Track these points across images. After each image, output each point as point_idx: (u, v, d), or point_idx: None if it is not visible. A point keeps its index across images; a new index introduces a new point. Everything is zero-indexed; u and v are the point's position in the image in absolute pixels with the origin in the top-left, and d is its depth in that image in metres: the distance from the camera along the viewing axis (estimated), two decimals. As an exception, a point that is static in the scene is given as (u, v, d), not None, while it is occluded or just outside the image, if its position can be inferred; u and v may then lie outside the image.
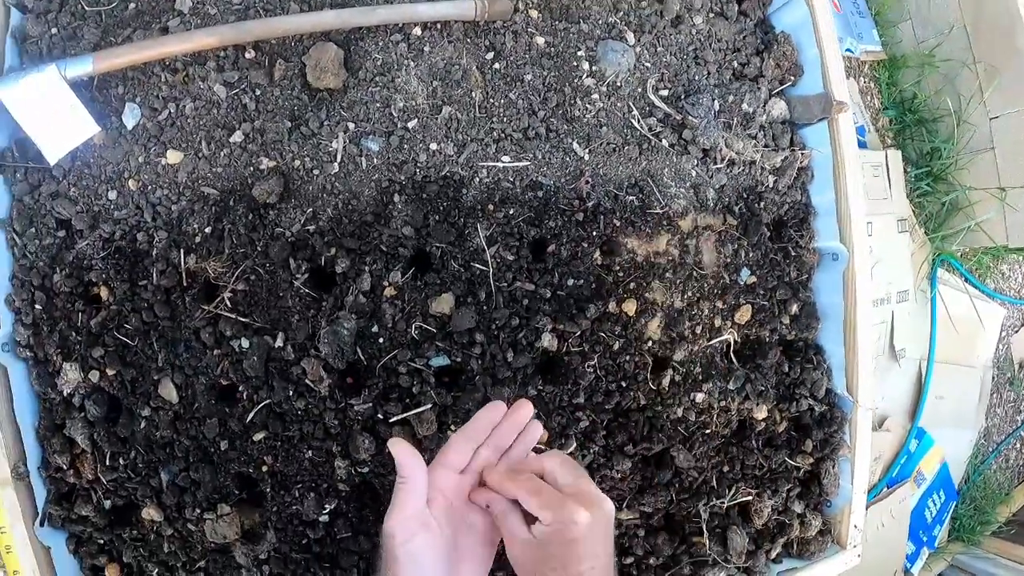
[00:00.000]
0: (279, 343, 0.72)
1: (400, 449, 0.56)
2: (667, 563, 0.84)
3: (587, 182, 0.76)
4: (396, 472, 0.56)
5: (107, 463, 0.74)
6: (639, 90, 0.80)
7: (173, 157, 0.71)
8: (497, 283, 0.73)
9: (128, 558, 0.76)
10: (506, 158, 0.74)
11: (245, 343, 0.72)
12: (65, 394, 0.73)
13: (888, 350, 1.48)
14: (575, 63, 0.77)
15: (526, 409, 0.61)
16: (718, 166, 0.82)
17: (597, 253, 0.77)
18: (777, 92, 0.87)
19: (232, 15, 0.72)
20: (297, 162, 0.72)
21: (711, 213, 0.82)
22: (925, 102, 1.49)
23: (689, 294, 0.81)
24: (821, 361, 0.90)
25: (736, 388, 0.84)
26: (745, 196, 0.85)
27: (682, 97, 0.81)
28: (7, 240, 0.73)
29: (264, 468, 0.74)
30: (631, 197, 0.77)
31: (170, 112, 0.71)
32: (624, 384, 0.78)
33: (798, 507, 0.90)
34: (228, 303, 0.71)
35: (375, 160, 0.72)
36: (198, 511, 0.73)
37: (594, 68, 0.78)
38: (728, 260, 0.83)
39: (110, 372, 0.72)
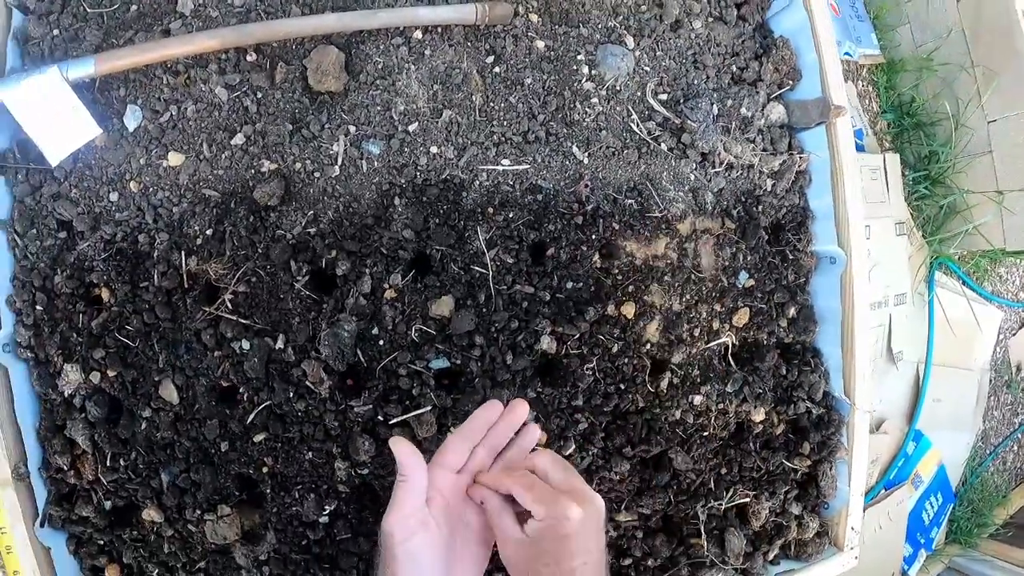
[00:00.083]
0: (280, 345, 0.72)
1: (401, 448, 0.57)
2: (665, 565, 0.84)
3: (586, 185, 0.77)
4: (396, 471, 0.57)
5: (108, 464, 0.74)
6: (638, 94, 0.80)
7: (174, 159, 0.71)
8: (497, 286, 0.74)
9: (128, 559, 0.76)
10: (506, 161, 0.75)
11: (246, 345, 0.72)
12: (66, 395, 0.73)
13: (886, 353, 1.48)
14: (575, 67, 0.78)
15: (522, 409, 0.62)
16: (716, 170, 0.82)
17: (596, 256, 0.77)
18: (775, 96, 0.88)
19: (234, 18, 0.72)
20: (298, 165, 0.72)
21: (709, 217, 0.82)
22: (923, 106, 1.50)
23: (687, 297, 0.81)
24: (819, 364, 0.90)
25: (734, 391, 0.84)
26: (743, 200, 0.85)
27: (681, 101, 0.82)
28: (8, 241, 0.73)
29: (264, 469, 0.74)
30: (630, 200, 0.78)
31: (171, 114, 0.72)
32: (623, 386, 0.79)
33: (795, 509, 0.91)
34: (229, 305, 0.71)
35: (376, 163, 0.73)
36: (198, 512, 0.74)
37: (594, 72, 0.78)
38: (726, 263, 0.83)
39: (111, 373, 0.73)
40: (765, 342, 0.87)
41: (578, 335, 0.76)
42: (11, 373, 0.73)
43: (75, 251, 0.72)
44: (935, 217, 1.52)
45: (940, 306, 1.54)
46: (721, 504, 0.86)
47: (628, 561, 0.83)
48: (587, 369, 0.77)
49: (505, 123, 0.75)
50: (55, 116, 0.67)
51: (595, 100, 0.78)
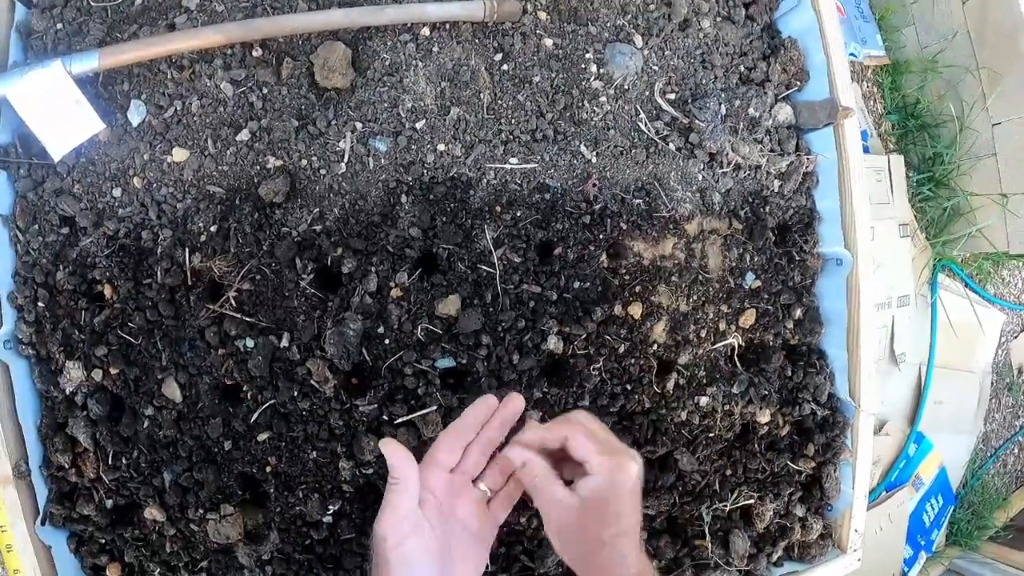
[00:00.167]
0: (284, 343, 0.71)
1: (392, 450, 0.55)
2: (669, 566, 0.84)
3: (594, 185, 0.76)
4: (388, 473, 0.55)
5: (109, 462, 0.73)
6: (646, 93, 0.80)
7: (179, 155, 0.71)
8: (504, 285, 0.73)
9: (130, 558, 0.76)
10: (514, 160, 0.74)
11: (250, 343, 0.71)
12: (67, 392, 0.72)
13: (888, 355, 1.48)
14: (583, 65, 0.77)
15: (516, 403, 0.59)
16: (724, 170, 0.82)
17: (604, 256, 0.76)
18: (783, 97, 0.87)
19: (240, 13, 0.72)
20: (304, 161, 0.71)
21: (717, 217, 0.82)
22: (928, 107, 1.49)
23: (694, 298, 0.80)
24: (824, 366, 0.90)
25: (740, 392, 0.84)
26: (750, 200, 0.85)
27: (689, 101, 0.81)
28: (10, 237, 0.72)
29: (268, 468, 0.73)
30: (638, 200, 0.77)
31: (176, 110, 0.71)
32: (629, 387, 0.78)
33: (799, 511, 0.90)
34: (233, 302, 0.71)
35: (382, 160, 0.72)
36: (201, 511, 0.73)
37: (602, 71, 0.78)
38: (733, 264, 0.83)
39: (113, 371, 0.72)
40: (771, 343, 0.87)
41: (585, 335, 0.75)
42: (12, 370, 0.72)
43: (77, 247, 0.71)
44: (939, 219, 1.51)
45: (943, 308, 1.54)
46: (726, 505, 0.85)
47: (632, 562, 0.83)
48: (594, 369, 0.76)
49: (513, 121, 0.75)
50: (58, 111, 0.66)
51: (603, 99, 0.78)
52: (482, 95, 0.74)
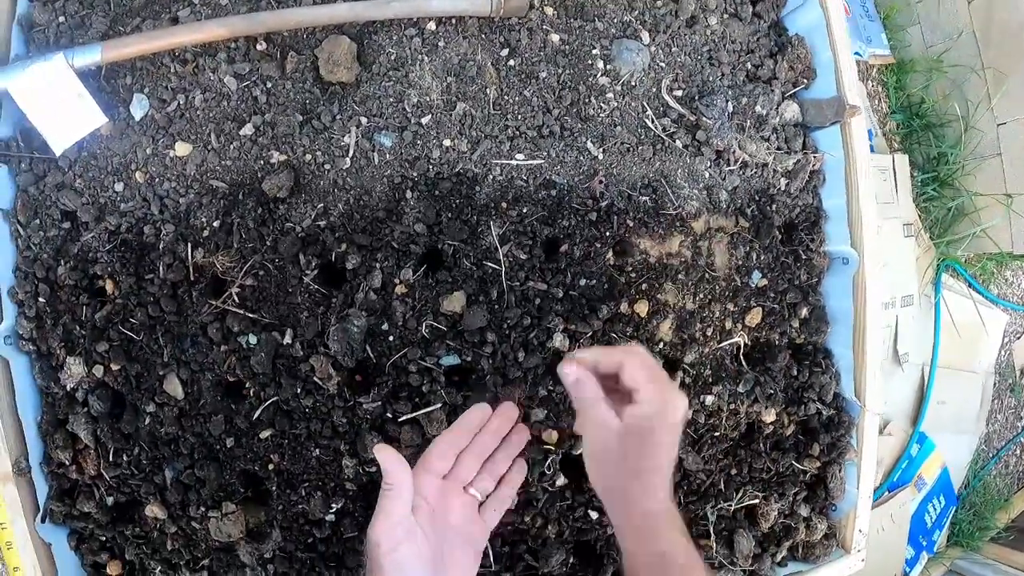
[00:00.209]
0: (287, 340, 0.71)
1: (385, 455, 0.56)
2: (673, 566, 0.84)
3: (601, 181, 0.76)
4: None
5: (110, 459, 0.73)
6: (653, 90, 0.79)
7: (181, 149, 0.70)
8: (509, 282, 0.72)
9: (130, 555, 0.75)
10: (520, 156, 0.74)
11: (253, 339, 0.71)
12: (68, 389, 0.72)
13: (891, 354, 1.48)
14: (590, 61, 0.77)
15: (511, 412, 0.61)
16: (731, 168, 0.81)
17: (610, 253, 0.76)
18: (790, 95, 0.87)
19: (244, 6, 0.71)
20: (308, 156, 0.71)
21: (724, 215, 0.81)
22: (933, 107, 1.49)
23: (701, 296, 0.80)
24: (830, 365, 0.89)
25: (745, 391, 0.83)
26: (757, 198, 0.84)
27: (696, 98, 0.81)
28: (11, 231, 0.72)
29: (270, 466, 0.73)
30: (644, 198, 0.77)
31: (179, 103, 0.70)
32: (634, 386, 0.78)
33: (804, 511, 0.90)
34: (236, 298, 0.70)
35: (388, 156, 0.71)
36: (202, 509, 0.73)
37: (609, 67, 0.77)
38: (740, 263, 0.82)
39: (114, 367, 0.71)
40: (777, 342, 0.86)
41: (591, 333, 0.75)
42: (12, 366, 0.72)
43: (79, 242, 0.71)
44: (943, 219, 1.51)
45: (946, 308, 1.54)
46: (731, 505, 0.85)
47: (637, 562, 0.82)
48: (599, 368, 0.76)
49: (519, 117, 0.74)
50: (60, 104, 0.66)
51: (610, 95, 0.77)
52: (488, 90, 0.74)
